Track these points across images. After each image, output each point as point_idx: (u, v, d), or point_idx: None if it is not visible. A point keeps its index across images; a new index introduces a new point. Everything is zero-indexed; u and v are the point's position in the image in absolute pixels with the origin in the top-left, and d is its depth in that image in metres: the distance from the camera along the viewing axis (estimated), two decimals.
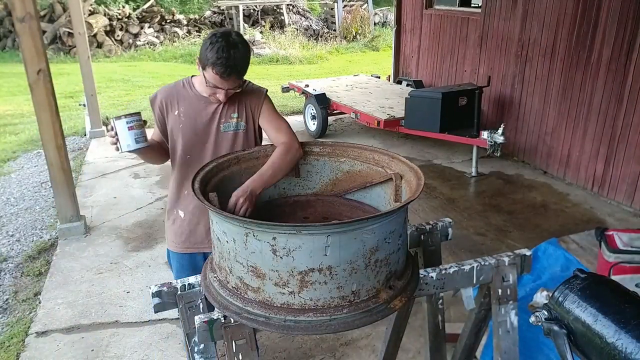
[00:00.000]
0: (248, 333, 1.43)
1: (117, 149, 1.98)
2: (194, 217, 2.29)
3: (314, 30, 15.92)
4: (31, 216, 4.57)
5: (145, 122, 1.96)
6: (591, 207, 4.63)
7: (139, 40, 14.18)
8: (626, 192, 4.56)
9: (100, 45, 13.38)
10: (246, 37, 14.28)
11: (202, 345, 1.52)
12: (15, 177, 5.52)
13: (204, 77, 2.03)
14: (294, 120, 7.51)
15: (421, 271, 1.66)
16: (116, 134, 1.96)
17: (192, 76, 2.24)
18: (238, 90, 2.05)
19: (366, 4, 16.77)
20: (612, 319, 1.03)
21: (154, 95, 2.19)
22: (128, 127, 1.94)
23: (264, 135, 2.21)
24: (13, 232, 4.28)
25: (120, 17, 14.04)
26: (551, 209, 4.61)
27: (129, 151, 1.95)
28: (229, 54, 1.89)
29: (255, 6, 16.01)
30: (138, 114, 1.94)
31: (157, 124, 2.24)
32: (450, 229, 2.03)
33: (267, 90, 2.18)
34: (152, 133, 2.23)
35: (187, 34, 15.22)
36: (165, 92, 2.19)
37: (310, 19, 16.75)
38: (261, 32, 15.05)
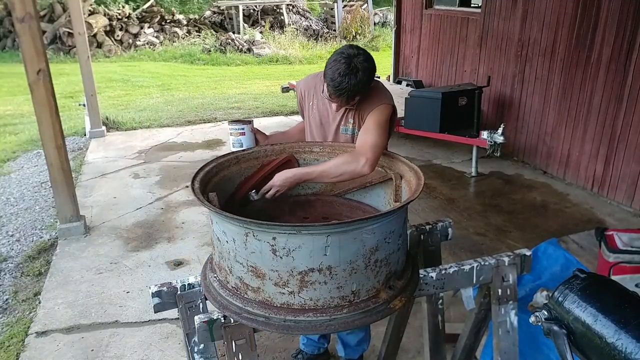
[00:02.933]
0: (248, 333, 1.43)
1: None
2: None
3: (313, 30, 15.91)
4: (31, 216, 4.57)
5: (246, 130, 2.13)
6: (591, 207, 4.63)
7: (139, 40, 14.18)
8: (626, 192, 4.56)
9: (100, 45, 13.37)
10: (246, 37, 14.32)
11: (202, 345, 1.52)
12: (15, 177, 5.52)
13: None
14: (294, 121, 7.51)
15: (421, 271, 1.66)
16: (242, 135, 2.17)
17: None
18: (351, 107, 2.07)
19: (366, 4, 16.77)
20: (612, 319, 1.03)
21: (299, 82, 2.35)
22: (230, 132, 2.16)
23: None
24: (13, 232, 4.28)
25: (120, 17, 14.03)
26: (551, 209, 4.61)
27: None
28: (342, 79, 1.88)
29: (255, 6, 16.01)
30: (240, 122, 2.13)
31: (298, 107, 2.41)
32: (450, 229, 2.03)
33: (386, 103, 2.06)
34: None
35: (187, 34, 15.22)
36: (307, 82, 2.31)
37: (310, 19, 16.75)
38: (261, 32, 15.05)
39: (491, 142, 4.97)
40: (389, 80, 8.16)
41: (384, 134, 1.95)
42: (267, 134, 2.27)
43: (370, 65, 1.94)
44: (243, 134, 2.11)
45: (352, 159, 1.84)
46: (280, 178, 1.84)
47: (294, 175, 1.85)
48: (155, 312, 1.62)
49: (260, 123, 7.45)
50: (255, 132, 2.17)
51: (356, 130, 2.12)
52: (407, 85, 7.36)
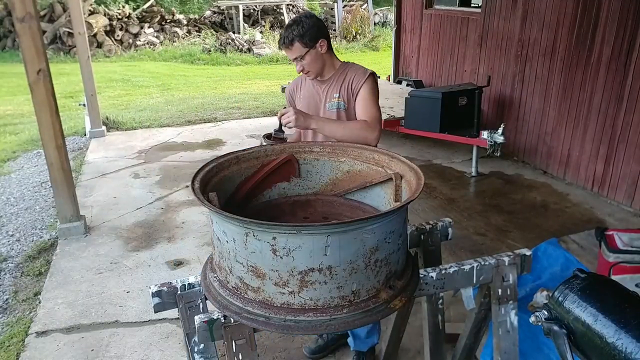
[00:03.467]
0: (248, 333, 1.43)
1: None
2: None
3: None
4: (31, 216, 4.57)
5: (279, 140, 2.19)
6: (591, 207, 4.63)
7: (139, 40, 14.18)
8: (626, 192, 4.56)
9: (100, 45, 13.38)
10: (246, 37, 14.32)
11: (202, 345, 1.52)
12: (15, 177, 5.52)
13: None
14: None
15: (421, 271, 1.66)
16: None
17: None
18: (306, 63, 2.27)
19: (366, 4, 16.77)
20: (612, 319, 1.03)
21: (287, 87, 2.59)
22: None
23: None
24: (13, 232, 4.28)
25: (120, 17, 14.04)
26: (551, 209, 4.61)
27: None
28: (284, 30, 2.24)
29: (255, 6, 16.01)
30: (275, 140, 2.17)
31: None
32: (450, 229, 2.03)
33: (372, 72, 2.31)
34: None
35: (187, 34, 15.23)
36: (293, 83, 2.56)
37: None
38: (261, 32, 15.05)
39: (491, 142, 4.97)
40: (389, 80, 8.16)
41: (378, 104, 2.28)
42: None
43: (311, 18, 2.27)
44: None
45: (367, 127, 2.16)
46: (297, 114, 2.08)
47: (311, 118, 2.12)
48: (155, 312, 1.62)
49: (260, 123, 7.46)
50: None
51: (343, 104, 2.32)
52: (407, 85, 7.36)
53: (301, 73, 2.34)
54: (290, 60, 2.33)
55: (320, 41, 2.27)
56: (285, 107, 2.16)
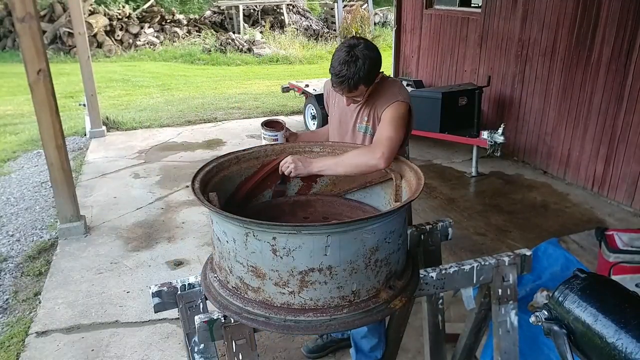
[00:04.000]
0: (248, 333, 1.43)
1: None
2: None
3: (314, 30, 15.91)
4: (31, 216, 4.57)
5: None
6: (591, 207, 4.63)
7: (139, 40, 14.18)
8: (626, 192, 4.56)
9: (100, 45, 13.38)
10: (246, 37, 14.31)
11: (202, 345, 1.52)
12: (15, 177, 5.52)
13: None
14: (294, 120, 7.51)
15: (421, 271, 1.66)
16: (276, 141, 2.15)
17: None
18: (359, 99, 2.08)
19: (366, 4, 16.76)
20: (612, 319, 1.03)
21: (326, 82, 2.36)
22: (262, 137, 2.15)
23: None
24: (13, 232, 4.28)
25: (120, 17, 14.03)
26: (551, 209, 4.61)
27: None
28: (342, 67, 1.94)
29: (255, 6, 16.01)
30: (273, 129, 2.13)
31: (325, 106, 2.46)
32: (450, 229, 2.03)
33: (401, 100, 2.08)
34: None
35: (187, 34, 15.22)
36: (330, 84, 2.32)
37: (310, 19, 16.75)
38: (261, 32, 15.05)
39: (491, 142, 4.97)
40: None
41: (399, 130, 1.98)
42: (297, 133, 2.30)
43: (371, 53, 1.97)
44: (276, 140, 2.12)
45: (367, 152, 1.87)
46: (296, 161, 1.86)
47: (311, 163, 1.87)
48: (155, 312, 1.62)
49: (260, 123, 7.44)
50: (288, 136, 2.19)
51: (370, 129, 2.15)
52: (407, 85, 7.35)
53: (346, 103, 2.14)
54: (335, 90, 2.09)
55: (377, 76, 2.05)
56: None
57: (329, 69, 2.01)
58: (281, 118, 2.10)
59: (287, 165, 1.86)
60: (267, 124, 2.14)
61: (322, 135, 2.45)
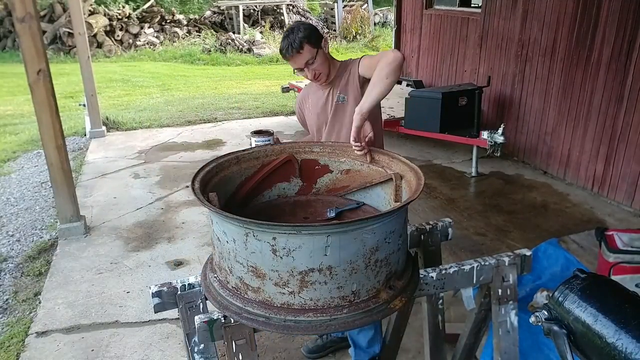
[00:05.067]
0: (248, 333, 1.43)
1: None
2: None
3: None
4: (31, 216, 4.57)
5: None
6: (591, 207, 4.63)
7: (139, 40, 14.18)
8: (626, 192, 4.56)
9: (100, 46, 13.38)
10: (246, 37, 14.32)
11: (202, 345, 1.52)
12: (15, 177, 5.52)
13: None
14: (294, 120, 7.51)
15: (421, 271, 1.66)
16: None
17: None
18: (317, 64, 2.26)
19: (366, 4, 16.77)
20: (612, 319, 1.03)
21: (297, 100, 2.62)
22: (255, 144, 2.11)
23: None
24: (13, 232, 4.28)
25: (120, 17, 14.03)
26: (551, 209, 4.61)
27: None
28: (284, 40, 2.22)
29: (255, 6, 16.01)
30: (264, 134, 2.08)
31: (300, 121, 2.65)
32: (450, 229, 2.03)
33: (362, 56, 2.30)
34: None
35: (187, 34, 15.22)
36: (301, 93, 2.60)
37: (310, 19, 16.74)
38: (261, 32, 15.05)
39: (491, 142, 4.97)
40: None
41: None
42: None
43: (305, 24, 2.27)
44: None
45: (384, 58, 1.99)
46: (356, 113, 1.88)
47: (361, 109, 1.89)
48: (155, 312, 1.62)
49: (260, 123, 7.46)
50: (276, 142, 2.20)
51: (346, 97, 2.32)
52: (407, 85, 7.36)
53: (313, 80, 2.32)
54: (296, 71, 2.31)
55: (323, 41, 2.27)
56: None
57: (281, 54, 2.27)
58: (273, 124, 2.07)
59: (357, 123, 1.85)
60: (257, 133, 2.15)
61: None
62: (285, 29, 2.45)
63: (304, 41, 2.19)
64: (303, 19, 16.37)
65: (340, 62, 2.40)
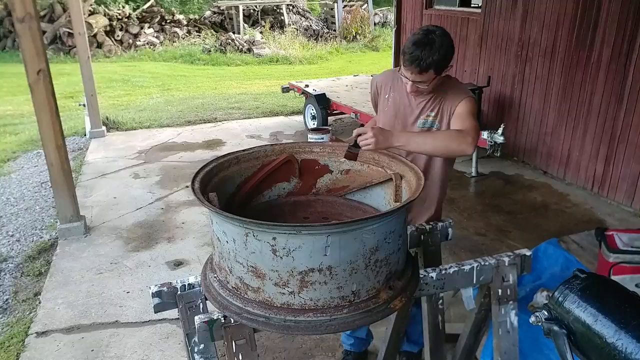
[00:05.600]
0: (248, 333, 1.43)
1: None
2: None
3: (313, 30, 15.91)
4: (31, 216, 4.57)
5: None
6: (591, 207, 4.63)
7: (139, 41, 14.18)
8: (626, 192, 4.56)
9: (100, 46, 13.37)
10: (246, 37, 14.32)
11: (202, 345, 1.52)
12: (15, 177, 5.52)
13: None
14: (294, 121, 7.52)
15: (421, 271, 1.66)
16: None
17: None
18: (425, 87, 2.04)
19: (366, 4, 16.77)
20: (612, 319, 1.03)
21: (376, 76, 2.35)
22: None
23: None
24: (13, 232, 4.28)
25: (120, 17, 14.03)
26: (551, 209, 4.61)
27: None
28: (417, 47, 1.94)
29: (255, 6, 16.01)
30: (320, 131, 2.11)
31: (372, 102, 2.42)
32: (450, 229, 2.03)
33: (470, 96, 2.10)
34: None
35: (187, 34, 15.22)
36: (385, 75, 2.32)
37: (310, 19, 16.75)
38: (261, 32, 15.05)
39: (491, 142, 4.97)
40: None
41: (476, 120, 2.04)
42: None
43: (447, 40, 1.97)
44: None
45: (459, 136, 1.91)
46: (377, 135, 1.81)
47: (392, 136, 1.84)
48: (155, 312, 1.62)
49: (260, 123, 7.45)
50: (334, 139, 2.16)
51: (437, 123, 2.13)
52: None
53: (409, 91, 2.10)
54: (396, 69, 2.09)
55: (447, 69, 2.03)
56: (362, 127, 1.91)
57: (402, 49, 2.00)
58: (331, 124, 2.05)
59: (367, 139, 1.81)
60: (314, 130, 2.15)
61: None
62: (424, 31, 2.04)
63: (432, 66, 1.95)
64: (303, 19, 16.38)
65: (445, 79, 2.12)
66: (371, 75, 8.27)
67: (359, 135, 1.83)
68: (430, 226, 2.00)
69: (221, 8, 16.14)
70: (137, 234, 4.19)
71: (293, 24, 15.77)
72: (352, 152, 1.86)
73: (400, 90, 2.19)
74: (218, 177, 1.73)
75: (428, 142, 1.91)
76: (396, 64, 8.36)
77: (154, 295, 1.57)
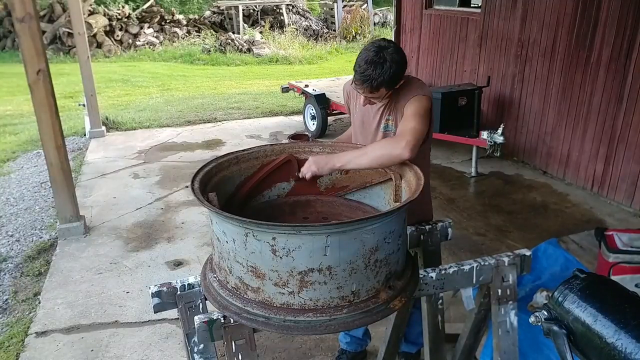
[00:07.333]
0: (247, 333, 1.43)
1: None
2: None
3: (313, 30, 15.91)
4: (31, 216, 4.56)
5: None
6: (591, 207, 4.63)
7: (139, 41, 14.18)
8: (626, 192, 4.56)
9: (99, 46, 13.37)
10: (245, 37, 14.31)
11: (201, 345, 1.52)
12: (15, 177, 5.52)
13: None
14: (294, 121, 7.52)
15: (421, 271, 1.66)
16: None
17: None
18: (376, 101, 2.05)
19: (366, 4, 16.77)
20: (612, 319, 1.03)
21: (346, 84, 2.32)
22: None
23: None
24: (13, 232, 4.27)
25: (119, 17, 14.03)
26: (551, 209, 4.61)
27: None
28: (368, 67, 1.90)
29: (255, 6, 16.01)
30: (299, 137, 2.11)
31: (346, 108, 2.42)
32: (450, 229, 2.03)
33: (421, 94, 2.04)
34: None
35: (187, 34, 15.22)
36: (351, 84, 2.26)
37: (310, 19, 16.75)
38: (261, 32, 15.05)
39: (491, 142, 4.97)
40: None
41: (423, 122, 1.93)
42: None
43: (399, 58, 1.94)
44: None
45: (391, 142, 1.84)
46: (316, 161, 1.84)
47: (331, 159, 1.84)
48: (155, 312, 1.62)
49: (259, 123, 7.45)
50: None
51: (392, 127, 2.11)
52: None
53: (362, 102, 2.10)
54: (355, 88, 2.04)
55: (400, 81, 2.02)
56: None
57: (354, 67, 1.96)
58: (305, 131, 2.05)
59: (307, 169, 1.84)
60: (293, 137, 2.14)
61: (346, 139, 2.39)
62: (375, 47, 1.93)
63: (383, 85, 1.93)
64: (302, 19, 16.37)
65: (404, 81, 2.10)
66: None
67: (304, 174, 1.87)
68: (430, 226, 2.00)
69: (221, 8, 16.13)
70: (137, 234, 4.19)
71: (293, 24, 15.77)
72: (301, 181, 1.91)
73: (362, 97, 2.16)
74: (218, 177, 1.73)
75: (364, 156, 1.81)
76: None
77: (153, 295, 1.57)
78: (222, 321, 1.42)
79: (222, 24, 16.08)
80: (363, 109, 2.19)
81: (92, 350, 2.88)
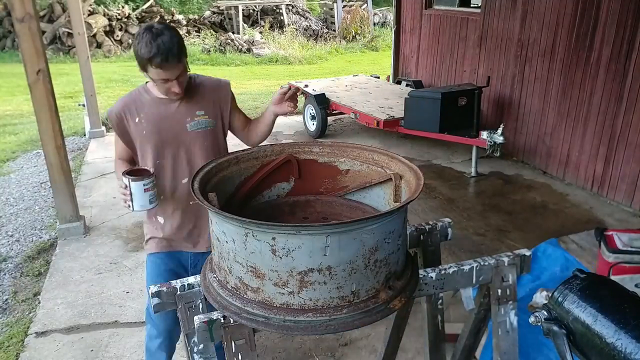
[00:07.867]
0: (247, 333, 1.43)
1: (129, 207, 1.94)
2: (174, 221, 2.23)
3: (313, 31, 15.92)
4: (30, 216, 4.56)
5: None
6: (591, 207, 4.63)
7: None
8: (626, 192, 4.56)
9: (99, 46, 13.37)
10: (245, 37, 14.32)
11: (201, 346, 1.52)
12: (15, 177, 5.52)
13: (150, 78, 1.99)
14: (294, 121, 7.51)
15: (421, 271, 1.66)
16: (130, 193, 1.91)
17: (146, 82, 2.14)
18: (183, 78, 1.99)
19: (366, 4, 16.77)
20: (612, 319, 1.03)
21: (111, 109, 2.11)
22: (144, 189, 1.91)
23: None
24: (12, 233, 4.27)
25: (119, 17, 14.03)
26: (551, 209, 4.61)
27: (141, 211, 1.96)
28: (158, 41, 1.86)
29: (255, 6, 16.01)
30: (153, 175, 1.94)
31: (120, 138, 2.12)
32: (449, 229, 2.03)
33: (229, 82, 2.20)
34: (116, 150, 2.18)
35: (187, 34, 15.21)
36: (123, 102, 2.11)
37: (310, 19, 16.75)
38: (260, 32, 15.05)
39: (491, 142, 4.97)
40: (388, 81, 8.16)
41: None
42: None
43: (168, 25, 1.96)
44: (155, 185, 1.95)
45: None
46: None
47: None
48: (154, 312, 1.61)
49: None
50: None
51: (210, 121, 2.15)
52: (407, 85, 7.36)
53: (174, 94, 2.02)
54: (156, 82, 1.97)
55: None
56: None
57: (143, 58, 1.88)
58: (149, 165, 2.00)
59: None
60: (129, 173, 1.90)
61: (119, 167, 2.15)
62: (145, 30, 1.89)
63: (182, 51, 1.93)
64: (302, 19, 16.38)
65: (192, 76, 2.11)
66: (370, 76, 8.27)
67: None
68: (430, 226, 1.99)
69: (221, 8, 16.14)
70: (137, 234, 4.19)
71: (292, 24, 15.77)
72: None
73: (151, 105, 2.07)
74: (217, 177, 1.73)
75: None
76: (396, 64, 8.37)
77: (153, 295, 1.57)
78: (222, 321, 1.42)
79: (221, 24, 16.08)
80: (154, 119, 2.06)
81: (92, 350, 2.88)
